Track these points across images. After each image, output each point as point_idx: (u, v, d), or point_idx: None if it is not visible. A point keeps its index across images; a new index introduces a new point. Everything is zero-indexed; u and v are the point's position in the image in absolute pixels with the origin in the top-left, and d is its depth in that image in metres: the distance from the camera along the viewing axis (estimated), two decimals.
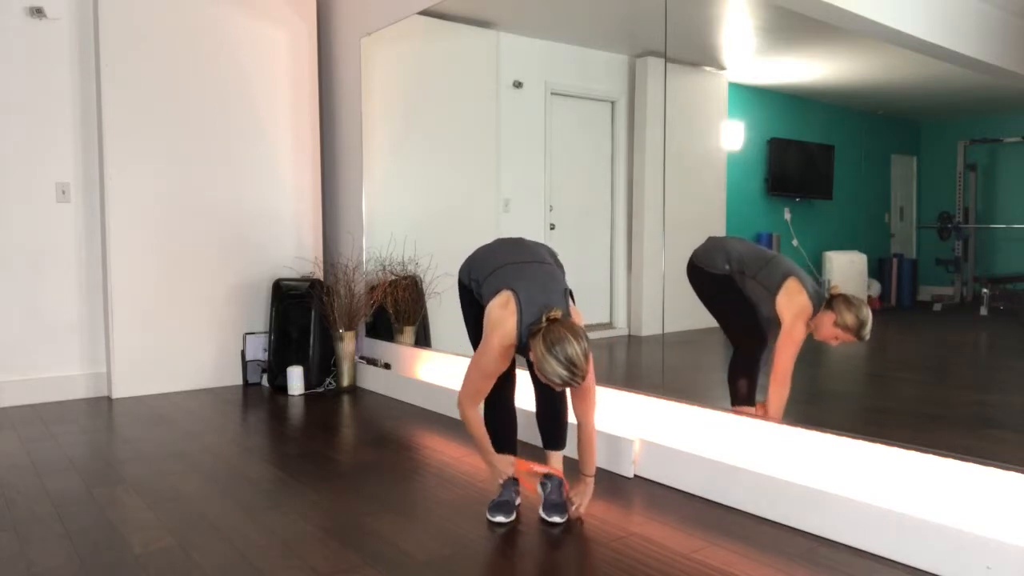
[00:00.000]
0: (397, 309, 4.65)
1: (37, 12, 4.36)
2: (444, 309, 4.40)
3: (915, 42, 2.33)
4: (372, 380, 4.75)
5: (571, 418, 2.93)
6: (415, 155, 4.63)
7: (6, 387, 4.34)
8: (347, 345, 4.73)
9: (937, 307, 2.53)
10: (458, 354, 4.12)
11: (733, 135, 2.98)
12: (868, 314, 2.53)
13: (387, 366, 4.72)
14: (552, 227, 3.82)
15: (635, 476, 2.97)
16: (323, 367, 4.79)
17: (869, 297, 2.60)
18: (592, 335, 2.48)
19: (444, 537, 2.39)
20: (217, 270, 4.82)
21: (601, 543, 2.33)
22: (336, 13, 5.19)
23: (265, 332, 4.98)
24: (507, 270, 2.42)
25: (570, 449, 3.10)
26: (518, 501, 2.63)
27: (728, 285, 2.84)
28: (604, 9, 3.43)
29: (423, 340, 4.57)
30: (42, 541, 2.37)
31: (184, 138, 4.67)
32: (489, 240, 2.71)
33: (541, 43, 3.84)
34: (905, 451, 2.23)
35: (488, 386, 2.43)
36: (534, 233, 3.84)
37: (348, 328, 4.72)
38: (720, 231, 3.01)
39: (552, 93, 3.82)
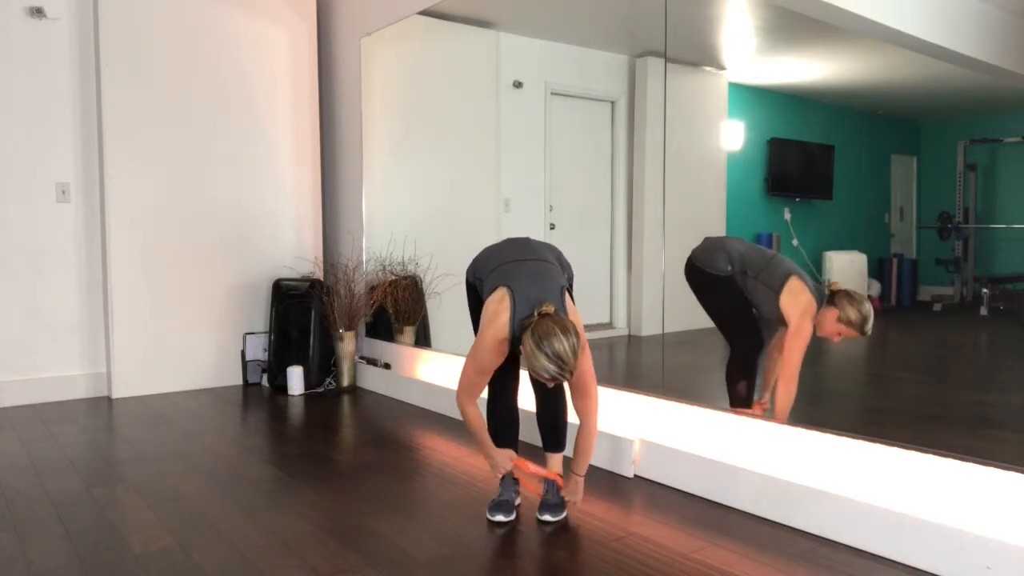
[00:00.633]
0: (397, 309, 4.65)
1: (37, 12, 4.36)
2: (444, 309, 4.40)
3: (915, 42, 2.33)
4: (372, 380, 4.75)
5: (572, 418, 2.93)
6: (415, 155, 4.63)
7: (6, 387, 4.34)
8: (347, 345, 4.73)
9: (937, 307, 2.53)
10: (458, 354, 4.12)
11: (733, 135, 2.98)
12: (870, 309, 2.54)
13: (387, 366, 4.72)
14: (552, 227, 3.82)
15: (635, 476, 2.97)
16: (323, 367, 4.79)
17: (869, 297, 2.60)
18: (592, 335, 2.48)
19: (444, 537, 2.39)
20: (217, 270, 4.82)
21: (601, 543, 2.33)
22: (336, 13, 5.19)
23: (265, 332, 4.98)
24: (506, 267, 2.44)
25: (570, 449, 3.10)
26: (518, 501, 2.63)
27: (729, 286, 2.84)
28: (604, 9, 3.43)
29: (423, 340, 4.57)
30: (42, 541, 2.37)
31: (184, 138, 4.67)
32: (491, 240, 2.72)
33: (541, 43, 3.84)
34: (905, 451, 2.23)
35: (484, 381, 2.44)
36: (534, 233, 3.84)
37: (348, 328, 4.72)
38: (720, 231, 3.01)
39: (552, 93, 3.82)
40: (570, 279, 2.65)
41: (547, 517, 2.53)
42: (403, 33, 4.57)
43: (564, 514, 2.56)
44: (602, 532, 2.42)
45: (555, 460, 2.67)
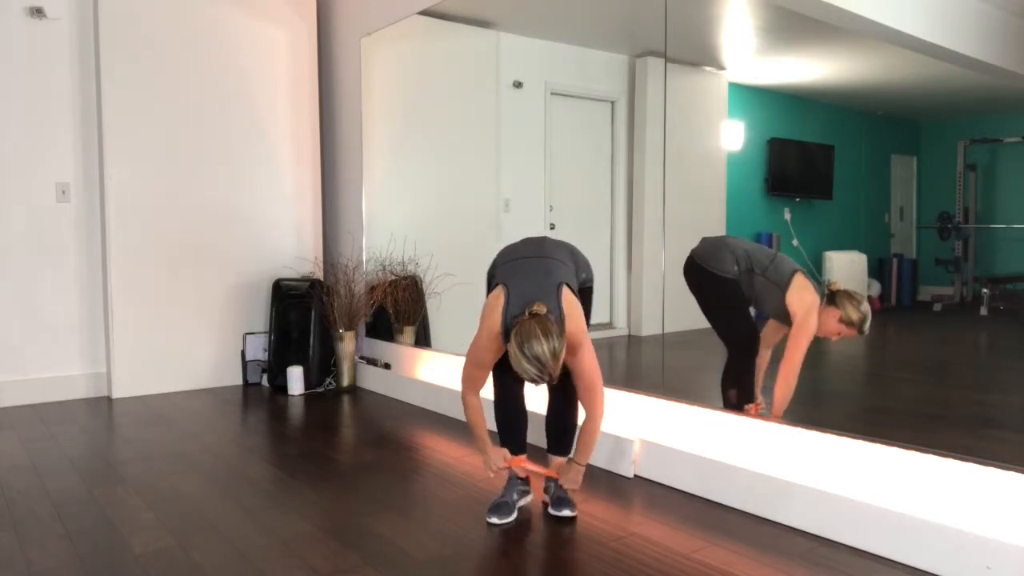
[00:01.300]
0: (397, 309, 4.65)
1: (37, 12, 4.36)
2: (444, 309, 4.40)
3: (915, 42, 2.33)
4: (372, 380, 4.75)
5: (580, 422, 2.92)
6: (415, 155, 4.63)
7: (6, 387, 4.34)
8: (347, 345, 4.73)
9: (937, 307, 2.53)
10: (458, 354, 4.12)
11: (733, 135, 2.98)
12: (869, 308, 2.56)
13: (387, 366, 4.72)
14: (552, 227, 3.82)
15: (635, 476, 2.97)
16: (323, 367, 4.79)
17: (869, 297, 2.60)
18: (592, 335, 2.48)
19: (444, 537, 2.39)
20: (217, 270, 4.82)
21: (601, 543, 2.33)
22: (336, 13, 5.19)
23: (265, 332, 4.98)
24: (511, 265, 2.48)
25: None
26: (520, 503, 2.63)
27: (734, 288, 2.85)
28: (604, 9, 3.43)
29: (423, 340, 4.57)
30: (42, 541, 2.37)
31: (184, 138, 4.67)
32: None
33: (541, 43, 3.84)
34: (905, 451, 2.23)
35: (484, 375, 2.48)
36: (533, 233, 3.83)
37: (348, 328, 4.72)
38: (720, 231, 3.01)
39: (552, 93, 3.82)
40: (588, 280, 2.64)
41: (566, 512, 2.54)
42: (403, 33, 4.57)
43: (577, 510, 2.58)
44: (602, 532, 2.42)
45: (558, 462, 2.67)
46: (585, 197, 3.72)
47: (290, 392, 4.61)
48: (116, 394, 4.51)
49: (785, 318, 2.73)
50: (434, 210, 4.51)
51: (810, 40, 2.66)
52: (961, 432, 2.29)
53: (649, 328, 3.26)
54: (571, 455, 2.61)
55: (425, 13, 4.33)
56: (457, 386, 4.07)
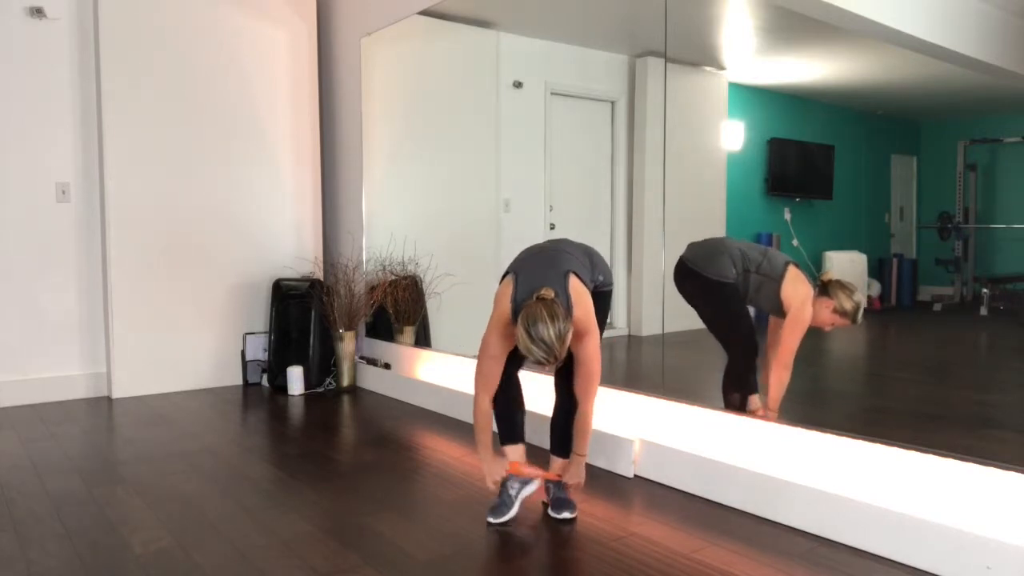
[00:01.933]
0: (397, 309, 4.65)
1: (37, 12, 4.36)
2: (444, 309, 4.40)
3: (915, 42, 2.33)
4: (372, 380, 4.75)
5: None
6: (415, 155, 4.63)
7: (6, 387, 4.34)
8: (347, 345, 4.73)
9: (937, 307, 2.53)
10: (458, 354, 4.12)
11: (733, 135, 2.98)
12: (862, 298, 2.57)
13: (387, 366, 4.72)
14: (552, 227, 3.82)
15: (635, 476, 2.97)
16: (323, 367, 4.79)
17: (869, 297, 2.60)
18: None
19: (444, 537, 2.39)
20: (217, 270, 4.82)
21: (601, 543, 2.33)
22: (336, 13, 5.19)
23: (265, 332, 4.98)
24: (523, 259, 2.52)
25: None
26: (522, 493, 2.63)
27: (733, 292, 2.84)
28: (604, 9, 3.43)
29: (423, 340, 4.57)
30: (42, 541, 2.37)
31: (184, 138, 4.67)
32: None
33: (541, 43, 3.84)
34: (905, 451, 2.23)
35: (497, 369, 2.47)
36: (533, 233, 3.84)
37: (348, 328, 4.72)
38: (720, 231, 3.01)
39: (552, 93, 3.82)
40: (606, 283, 2.63)
41: (566, 514, 2.54)
42: (403, 33, 4.57)
43: (576, 511, 2.58)
44: (602, 532, 2.42)
45: (559, 464, 2.66)
46: (585, 197, 3.72)
47: (290, 392, 4.61)
48: (116, 394, 4.51)
49: (781, 311, 2.74)
50: (434, 210, 4.51)
51: (810, 40, 2.66)
52: (961, 432, 2.29)
53: (649, 328, 3.25)
54: (576, 450, 2.59)
55: (425, 13, 4.33)
56: (457, 386, 4.07)
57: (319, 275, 5.12)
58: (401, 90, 4.68)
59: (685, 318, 3.03)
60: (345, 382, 4.76)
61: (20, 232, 4.36)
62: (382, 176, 4.85)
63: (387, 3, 4.64)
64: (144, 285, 4.56)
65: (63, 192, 4.48)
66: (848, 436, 2.37)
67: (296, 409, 4.23)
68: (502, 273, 2.66)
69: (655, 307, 3.10)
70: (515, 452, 2.61)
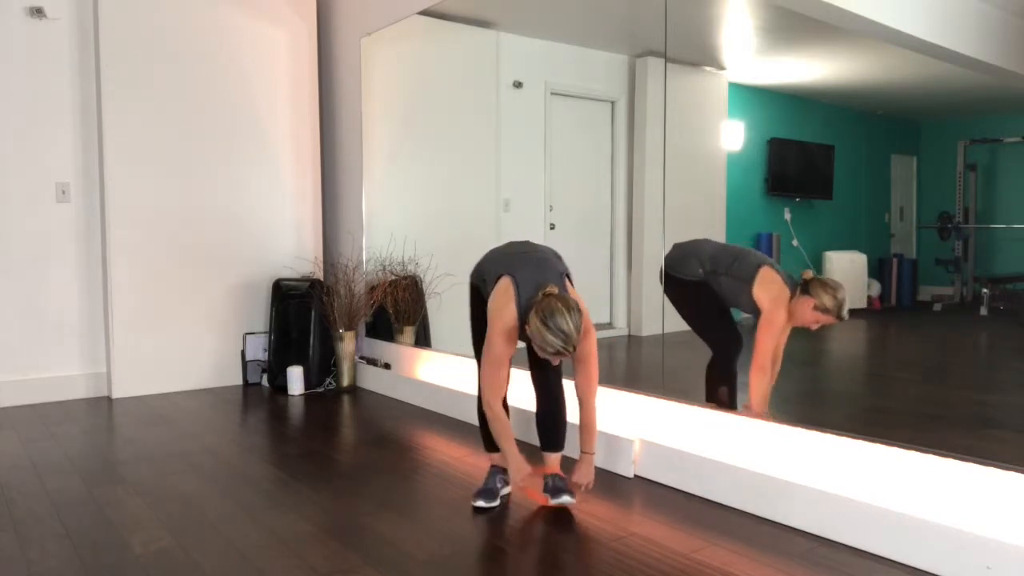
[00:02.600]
0: (397, 309, 4.65)
1: (37, 12, 4.36)
2: (444, 309, 4.40)
3: (915, 42, 2.33)
4: (372, 380, 4.75)
5: (571, 417, 2.93)
6: (415, 155, 4.63)
7: (6, 387, 4.34)
8: (347, 345, 4.73)
9: (937, 307, 2.53)
10: (458, 354, 4.12)
11: (733, 135, 2.98)
12: (845, 295, 2.57)
13: (387, 366, 4.72)
14: (552, 227, 3.82)
15: (635, 476, 2.97)
16: (323, 367, 4.79)
17: (869, 297, 2.60)
18: None
19: (444, 537, 2.39)
20: (217, 270, 4.82)
21: (601, 543, 2.33)
22: (336, 13, 5.19)
23: (265, 332, 4.98)
24: (507, 260, 2.54)
25: (569, 449, 3.10)
26: (504, 491, 2.67)
27: (703, 290, 2.88)
28: (604, 9, 3.43)
29: (423, 340, 4.56)
30: (42, 541, 2.37)
31: (184, 138, 4.67)
32: (491, 239, 2.74)
33: (541, 43, 3.83)
34: (905, 451, 2.23)
35: (503, 374, 2.51)
36: (534, 233, 3.84)
37: (348, 328, 4.72)
38: (720, 231, 3.01)
39: (552, 93, 3.82)
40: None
41: (566, 499, 2.58)
42: (403, 33, 4.57)
43: (576, 497, 2.63)
44: (602, 532, 2.42)
45: (553, 460, 2.68)
46: (585, 197, 3.72)
47: (290, 392, 4.61)
48: (116, 394, 4.51)
49: (757, 312, 2.75)
50: (434, 210, 4.51)
51: (810, 40, 2.66)
52: (961, 432, 2.28)
53: (649, 328, 3.25)
54: (584, 448, 2.65)
55: (425, 13, 4.33)
56: (457, 386, 4.07)
57: (319, 275, 5.12)
58: (401, 90, 4.68)
59: None
60: (345, 382, 4.76)
61: (20, 232, 4.36)
62: (382, 176, 4.85)
63: (387, 3, 4.64)
64: (144, 285, 4.56)
65: (63, 192, 4.48)
66: (848, 436, 2.38)
67: (296, 409, 4.23)
68: (474, 279, 2.68)
69: (655, 307, 3.10)
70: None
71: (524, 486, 2.58)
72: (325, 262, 5.30)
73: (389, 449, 3.40)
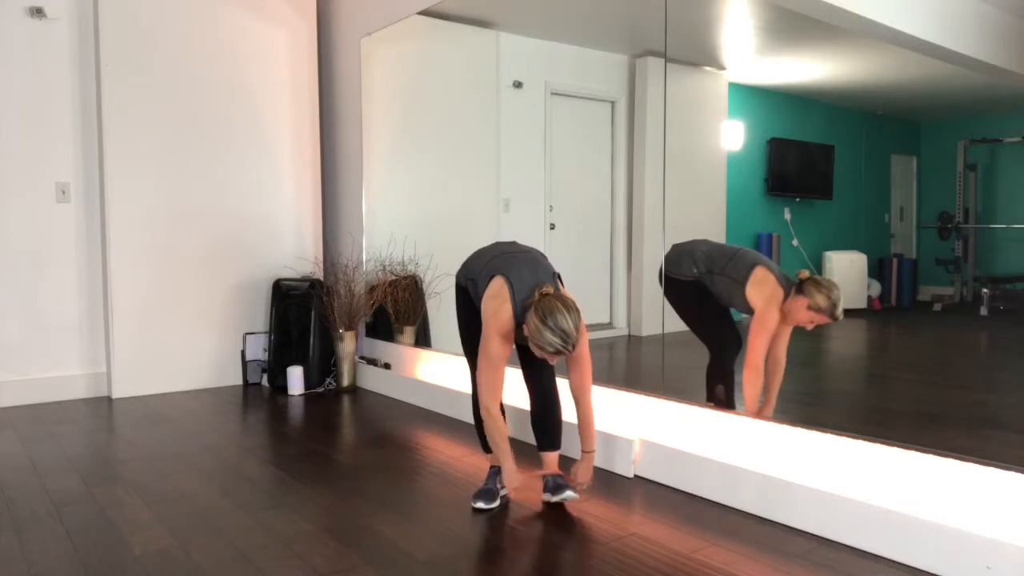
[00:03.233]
0: (397, 309, 4.65)
1: (37, 12, 4.36)
2: (444, 309, 4.40)
3: (915, 42, 2.33)
4: (372, 380, 4.75)
5: (566, 417, 2.93)
6: (415, 155, 4.63)
7: (6, 387, 4.34)
8: (347, 345, 4.73)
9: (937, 307, 2.52)
10: (458, 354, 4.12)
11: (733, 135, 2.98)
12: (839, 294, 2.57)
13: (387, 366, 4.72)
14: (552, 227, 3.82)
15: (635, 476, 2.97)
16: (323, 367, 4.79)
17: (869, 297, 2.60)
18: (592, 335, 2.54)
19: (444, 537, 2.39)
20: (217, 270, 4.82)
21: (601, 543, 2.33)
22: (336, 13, 5.19)
23: (265, 332, 4.98)
24: (497, 261, 2.53)
25: (566, 448, 3.10)
26: (503, 491, 2.68)
27: (698, 290, 2.89)
28: (604, 9, 3.43)
29: (423, 340, 4.56)
30: (42, 541, 2.37)
31: (184, 138, 4.67)
32: (491, 239, 2.74)
33: (541, 43, 3.84)
34: (905, 451, 2.23)
35: (501, 376, 2.50)
36: (534, 233, 3.84)
37: (348, 328, 4.72)
38: (720, 231, 3.01)
39: (552, 93, 3.82)
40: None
41: (568, 494, 2.59)
42: (403, 33, 4.57)
43: (577, 493, 2.64)
44: (602, 532, 2.42)
45: (551, 459, 2.68)
46: (585, 197, 3.72)
47: (290, 392, 4.61)
48: (116, 394, 4.51)
49: (751, 313, 2.76)
50: (434, 210, 4.51)
51: (810, 40, 2.66)
52: (961, 432, 2.29)
53: (649, 328, 3.26)
54: (584, 447, 2.66)
55: (425, 13, 4.33)
56: (457, 386, 4.07)
57: (319, 275, 5.12)
58: (401, 90, 4.68)
59: None
60: (345, 382, 4.76)
61: (20, 232, 4.36)
62: (382, 176, 4.85)
63: (387, 3, 4.64)
64: (144, 285, 4.56)
65: (63, 192, 4.48)
66: (848, 436, 2.38)
67: (296, 409, 4.23)
68: (460, 281, 2.68)
69: (655, 307, 3.10)
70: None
71: (518, 493, 2.59)
72: (325, 262, 5.30)
73: (389, 449, 3.40)
